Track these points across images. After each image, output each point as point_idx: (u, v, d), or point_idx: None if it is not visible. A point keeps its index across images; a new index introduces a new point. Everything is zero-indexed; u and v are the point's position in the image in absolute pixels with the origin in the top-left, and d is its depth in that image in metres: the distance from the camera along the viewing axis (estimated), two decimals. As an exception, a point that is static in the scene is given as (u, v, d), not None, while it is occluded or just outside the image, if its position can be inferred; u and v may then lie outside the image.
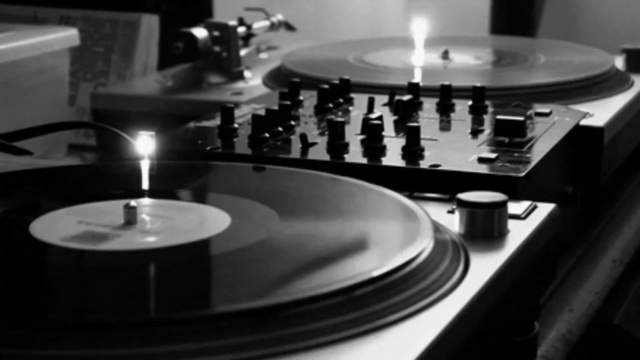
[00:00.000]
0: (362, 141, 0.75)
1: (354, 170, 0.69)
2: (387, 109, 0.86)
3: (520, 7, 1.61)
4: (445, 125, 0.81)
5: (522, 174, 0.68)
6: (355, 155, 0.73)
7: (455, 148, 0.74)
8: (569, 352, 0.72)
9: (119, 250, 0.55)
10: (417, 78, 0.99)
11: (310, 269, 0.53)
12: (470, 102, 0.86)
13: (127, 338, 0.45)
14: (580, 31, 1.69)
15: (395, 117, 0.82)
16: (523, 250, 0.59)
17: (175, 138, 0.79)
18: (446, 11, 1.67)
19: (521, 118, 0.76)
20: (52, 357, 0.44)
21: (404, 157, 0.72)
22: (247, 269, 0.53)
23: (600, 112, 0.87)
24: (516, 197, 0.66)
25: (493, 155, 0.71)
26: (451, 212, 0.63)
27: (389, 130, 0.78)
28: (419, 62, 1.08)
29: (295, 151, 0.74)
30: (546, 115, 0.83)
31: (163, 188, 0.65)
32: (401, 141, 0.74)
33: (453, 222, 0.60)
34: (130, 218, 0.58)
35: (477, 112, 0.85)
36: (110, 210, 0.60)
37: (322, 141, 0.75)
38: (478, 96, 0.85)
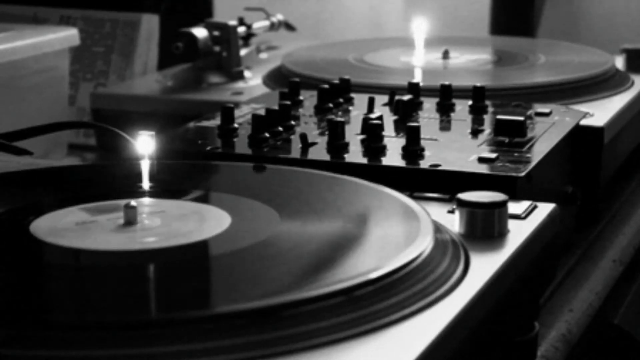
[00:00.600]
0: (362, 141, 0.75)
1: (354, 170, 0.69)
2: (387, 109, 0.86)
3: (520, 7, 1.61)
4: (445, 125, 0.81)
5: (522, 174, 0.68)
6: (355, 155, 0.73)
7: (456, 148, 0.74)
8: (569, 352, 0.72)
9: (119, 250, 0.55)
10: (417, 78, 0.99)
11: (311, 269, 0.53)
12: (470, 102, 0.86)
13: (127, 338, 0.45)
14: (580, 31, 1.69)
15: (395, 117, 0.82)
16: (523, 250, 0.59)
17: (175, 138, 0.79)
18: (446, 11, 1.67)
19: (521, 118, 0.76)
20: (52, 357, 0.44)
21: (404, 157, 0.72)
22: (247, 269, 0.53)
23: (600, 112, 0.87)
24: (516, 197, 0.66)
25: (493, 155, 0.71)
26: (451, 212, 0.63)
27: (389, 130, 0.78)
28: (419, 62, 1.08)
29: (295, 151, 0.74)
30: (546, 115, 0.83)
31: (163, 188, 0.65)
32: (401, 141, 0.74)
33: (453, 222, 0.60)
34: (130, 218, 0.58)
35: (477, 112, 0.85)
36: (110, 210, 0.60)
37: (322, 141, 0.75)
38: (478, 96, 0.85)
